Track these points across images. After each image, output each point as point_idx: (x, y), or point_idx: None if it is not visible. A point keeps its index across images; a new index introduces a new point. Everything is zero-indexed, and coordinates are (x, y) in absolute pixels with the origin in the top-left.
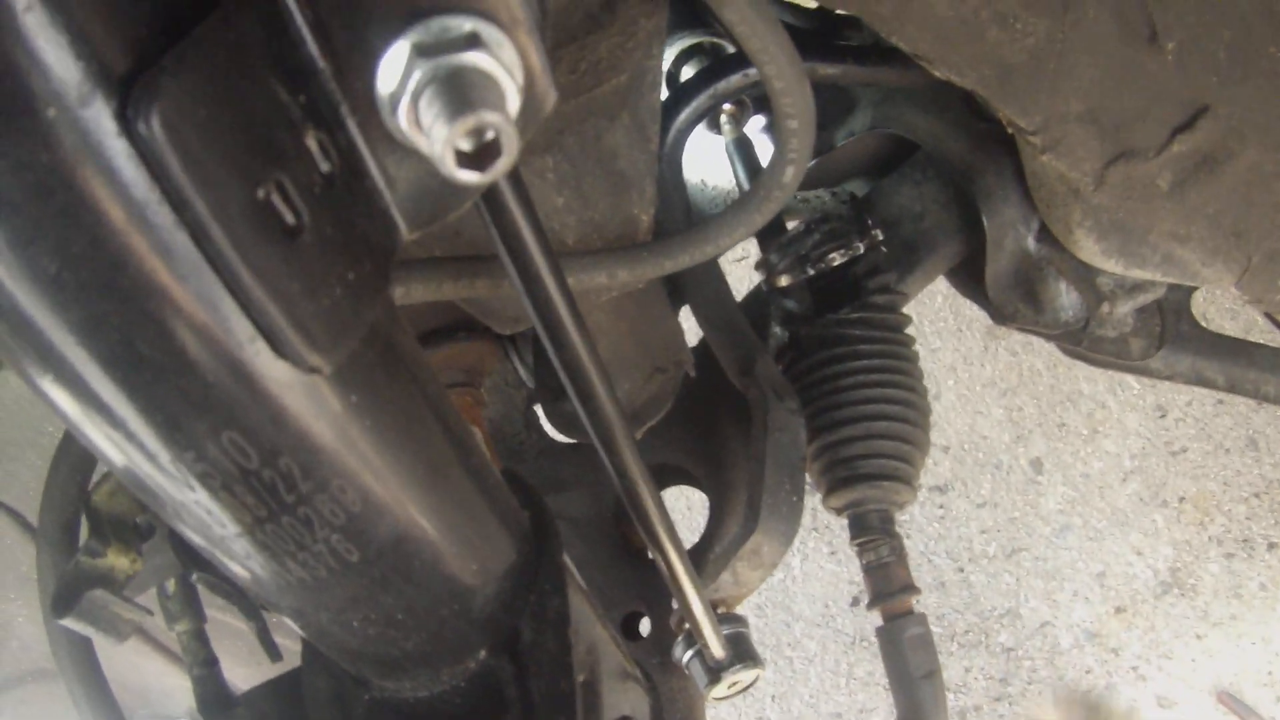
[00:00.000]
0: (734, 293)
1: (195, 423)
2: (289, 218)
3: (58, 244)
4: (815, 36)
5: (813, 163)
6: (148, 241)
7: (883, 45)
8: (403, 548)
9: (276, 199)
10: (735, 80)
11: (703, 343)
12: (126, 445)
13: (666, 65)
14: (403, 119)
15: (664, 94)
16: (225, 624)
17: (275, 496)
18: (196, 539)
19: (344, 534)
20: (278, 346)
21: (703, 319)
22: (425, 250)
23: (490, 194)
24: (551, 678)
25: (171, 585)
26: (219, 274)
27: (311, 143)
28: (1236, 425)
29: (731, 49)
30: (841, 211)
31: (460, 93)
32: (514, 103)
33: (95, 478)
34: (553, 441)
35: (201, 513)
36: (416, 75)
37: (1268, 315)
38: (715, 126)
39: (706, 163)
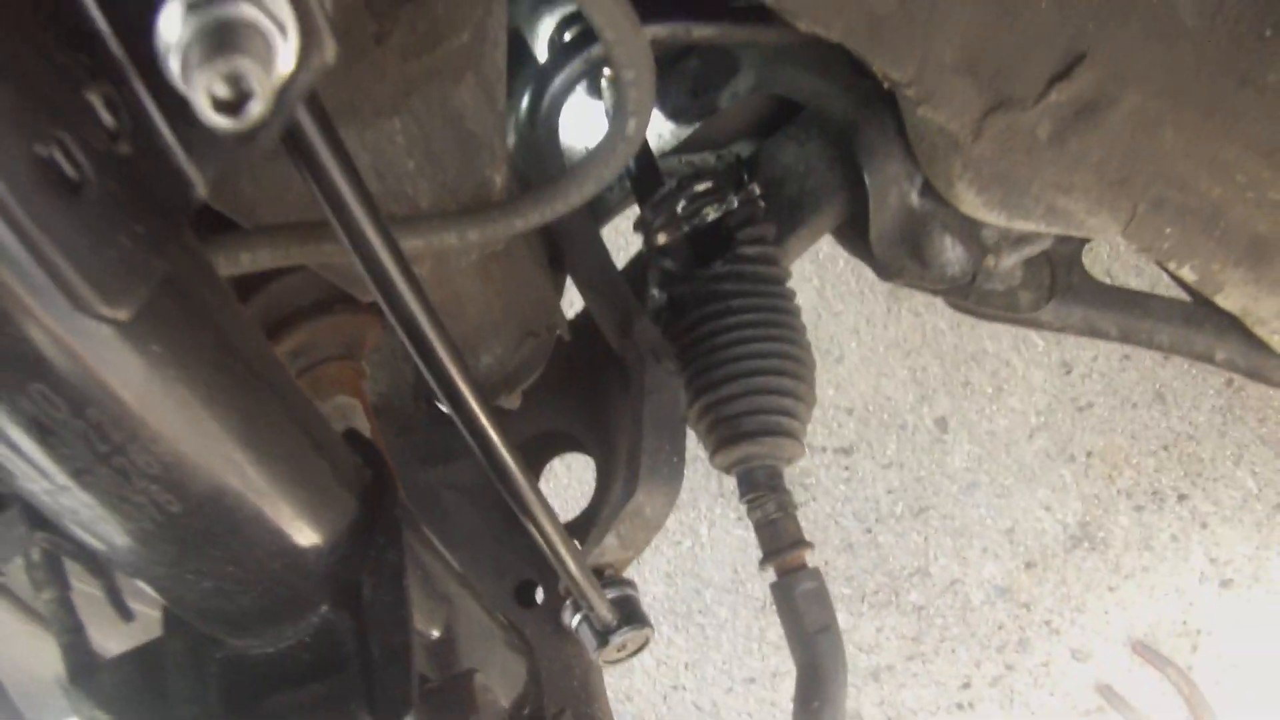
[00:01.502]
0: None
1: (4, 375)
2: (71, 173)
3: None
4: None
5: (698, 125)
6: None
7: (761, 4)
8: (222, 500)
9: (58, 155)
10: None
11: (586, 308)
12: None
13: (549, 32)
14: (174, 71)
15: (543, 58)
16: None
17: (89, 447)
18: (33, 496)
19: (162, 485)
20: (70, 297)
21: (581, 282)
22: (281, 217)
23: (310, 156)
24: (388, 631)
25: (36, 554)
26: (10, 228)
27: (96, 101)
28: (1143, 379)
29: None
30: (717, 168)
31: (219, 41)
32: (282, 52)
33: None
34: (442, 413)
35: (24, 466)
36: (187, 28)
37: (1159, 264)
38: (596, 92)
39: (588, 129)
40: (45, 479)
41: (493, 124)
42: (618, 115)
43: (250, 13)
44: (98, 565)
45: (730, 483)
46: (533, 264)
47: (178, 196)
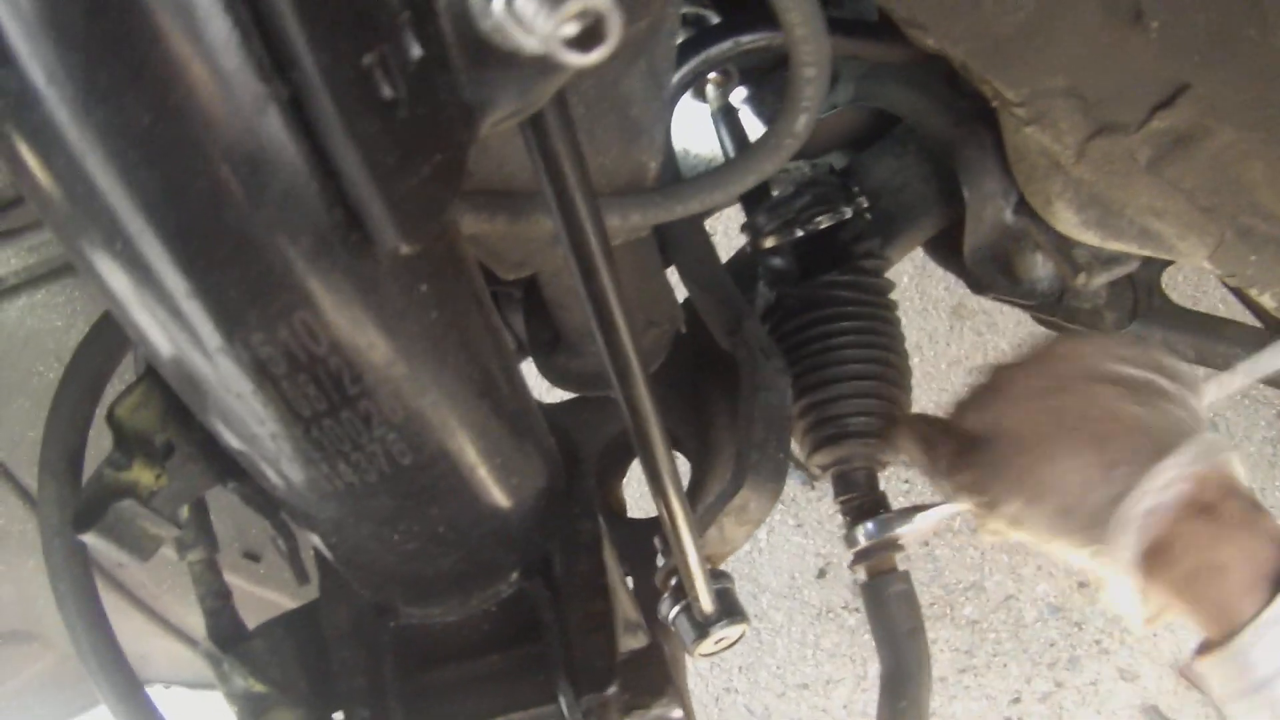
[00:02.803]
0: None
1: (270, 300)
2: (387, 91)
3: (153, 96)
4: None
5: None
6: (246, 101)
7: (867, 19)
8: (452, 455)
9: (379, 71)
10: (726, 47)
11: (687, 303)
12: (185, 328)
13: None
14: (495, 6)
15: None
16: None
17: (339, 387)
18: (238, 442)
19: (401, 433)
20: (365, 221)
21: (689, 279)
22: None
23: (535, 121)
24: (586, 599)
25: (185, 512)
26: (316, 141)
27: (405, 26)
28: None
29: (716, 19)
30: (829, 178)
31: None
32: None
33: (109, 399)
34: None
35: (256, 406)
36: None
37: (1236, 291)
38: (700, 95)
39: (690, 132)
40: (276, 422)
41: (656, 112)
42: (789, 110)
43: None
44: (281, 523)
45: (790, 490)
46: (655, 256)
47: (464, 134)
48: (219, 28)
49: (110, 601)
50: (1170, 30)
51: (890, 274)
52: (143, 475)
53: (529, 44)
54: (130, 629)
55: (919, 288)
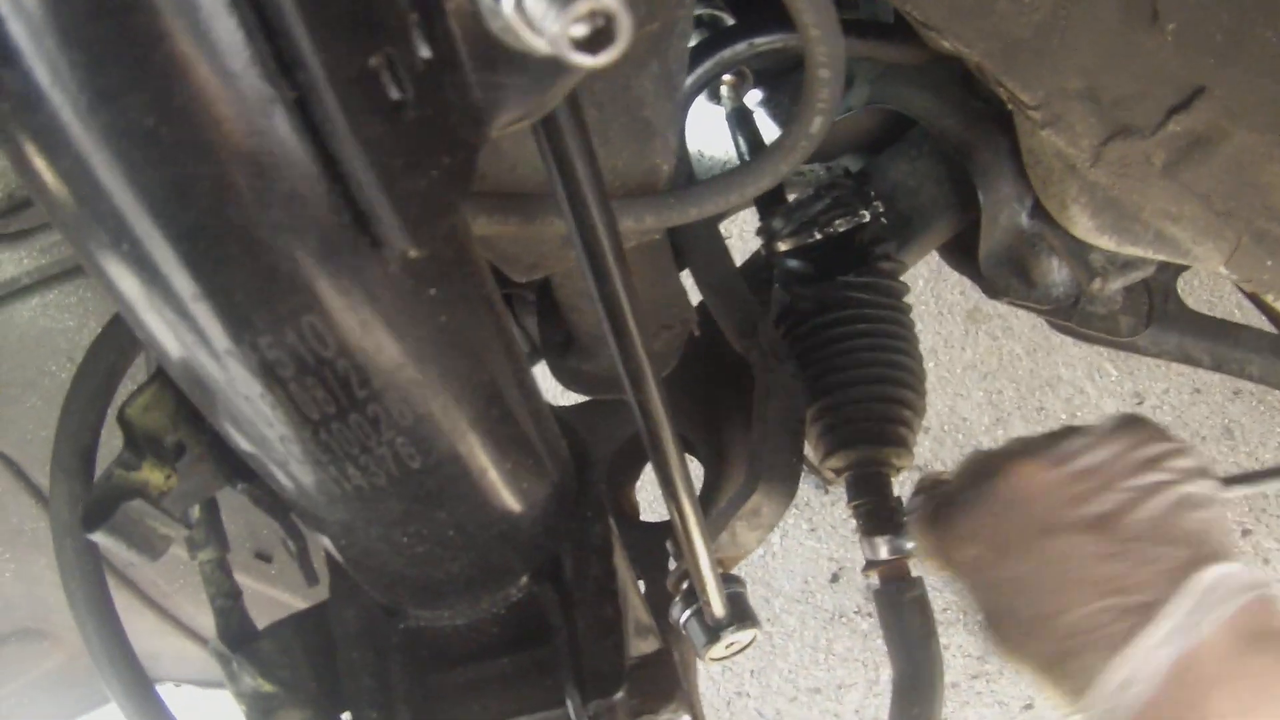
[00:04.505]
0: None
1: (277, 302)
2: (394, 92)
3: (158, 97)
4: None
5: None
6: (251, 102)
7: (881, 20)
8: (462, 459)
9: (385, 72)
10: (740, 49)
11: (700, 305)
12: (193, 330)
13: None
14: (508, 5)
15: None
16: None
17: (347, 391)
18: (248, 444)
19: (409, 437)
20: (373, 223)
21: (703, 282)
22: None
23: (547, 123)
24: (596, 604)
25: (196, 512)
26: (322, 142)
27: (414, 27)
28: (1212, 414)
29: (731, 21)
30: (845, 181)
31: None
32: None
33: (121, 398)
34: None
35: (264, 408)
36: None
37: (1252, 296)
38: (715, 97)
39: (703, 134)
40: (284, 425)
41: (669, 114)
42: (804, 111)
43: None
44: (291, 525)
45: (804, 494)
46: (669, 258)
47: (473, 135)
48: (224, 28)
49: (121, 600)
50: (1187, 32)
51: (905, 278)
52: (153, 475)
53: (538, 45)
54: (141, 627)
55: (934, 292)
